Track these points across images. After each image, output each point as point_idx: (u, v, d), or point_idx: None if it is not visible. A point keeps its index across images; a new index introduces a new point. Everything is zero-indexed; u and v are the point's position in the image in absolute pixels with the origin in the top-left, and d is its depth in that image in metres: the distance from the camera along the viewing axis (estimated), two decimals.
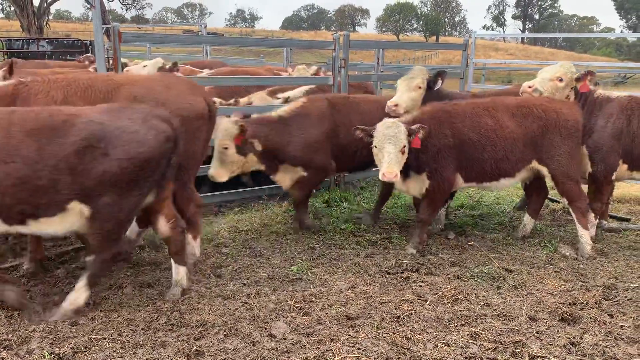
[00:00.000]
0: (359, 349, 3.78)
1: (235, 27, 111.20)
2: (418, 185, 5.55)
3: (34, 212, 3.83)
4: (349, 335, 3.95)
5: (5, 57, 16.90)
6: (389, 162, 5.00)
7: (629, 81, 32.78)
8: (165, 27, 56.99)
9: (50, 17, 46.40)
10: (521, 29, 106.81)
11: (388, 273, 5.12)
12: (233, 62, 15.27)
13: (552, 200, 7.75)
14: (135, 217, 4.40)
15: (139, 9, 67.13)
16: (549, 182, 5.82)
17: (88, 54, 12.60)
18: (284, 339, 3.89)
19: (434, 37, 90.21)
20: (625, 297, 4.62)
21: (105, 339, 3.83)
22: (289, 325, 4.07)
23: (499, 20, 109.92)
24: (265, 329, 4.03)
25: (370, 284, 4.86)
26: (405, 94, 6.14)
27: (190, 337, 3.88)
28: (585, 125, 5.70)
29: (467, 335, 3.97)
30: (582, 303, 4.45)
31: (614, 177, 5.83)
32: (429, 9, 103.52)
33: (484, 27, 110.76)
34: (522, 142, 5.47)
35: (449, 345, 3.85)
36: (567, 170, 5.53)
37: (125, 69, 7.55)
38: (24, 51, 17.56)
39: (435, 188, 5.47)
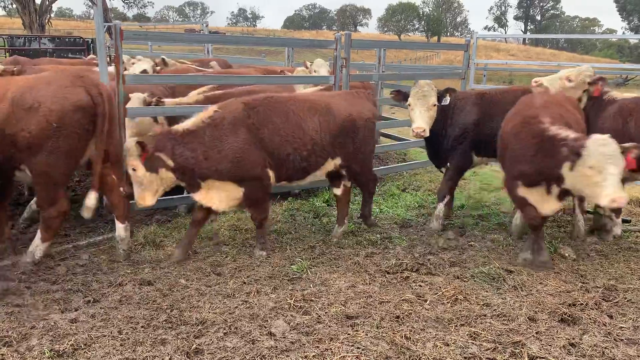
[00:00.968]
0: (358, 348, 3.78)
1: (236, 26, 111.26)
2: None
3: None
4: (349, 334, 3.96)
5: (7, 54, 16.92)
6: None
7: (630, 83, 32.78)
8: (167, 25, 56.97)
9: (52, 15, 46.32)
10: (523, 30, 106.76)
11: (388, 273, 5.12)
12: (235, 61, 15.26)
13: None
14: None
15: (141, 7, 67.22)
16: None
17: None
18: (284, 337, 3.89)
19: (436, 38, 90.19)
20: (625, 298, 4.62)
21: (105, 336, 3.85)
22: (289, 324, 4.07)
23: (500, 21, 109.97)
24: (265, 327, 4.03)
25: (370, 284, 4.86)
26: (425, 114, 6.22)
27: (189, 335, 3.89)
28: (591, 126, 5.72)
29: (467, 335, 3.98)
30: (581, 304, 4.45)
31: None
32: (430, 9, 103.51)
33: (485, 28, 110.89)
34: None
35: (448, 345, 3.85)
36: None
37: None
38: (25, 49, 17.59)
39: None
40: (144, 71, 7.99)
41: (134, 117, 6.06)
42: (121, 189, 5.23)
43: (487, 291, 4.74)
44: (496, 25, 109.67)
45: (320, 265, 5.27)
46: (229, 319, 4.14)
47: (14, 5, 40.41)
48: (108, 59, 5.99)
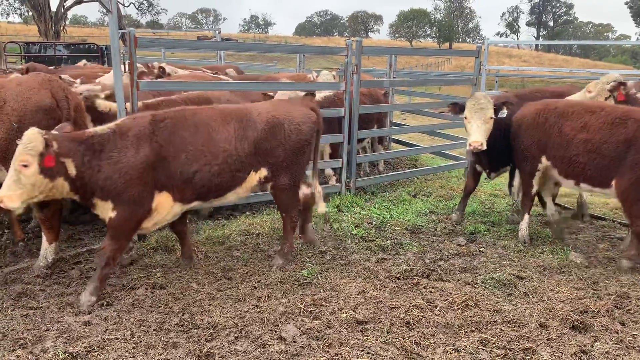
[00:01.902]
0: (368, 353, 3.79)
1: (249, 33, 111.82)
2: None
3: None
4: (359, 339, 3.97)
5: (23, 60, 17.19)
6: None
7: None
8: (180, 32, 57.47)
9: (67, 22, 46.96)
10: (535, 35, 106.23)
11: (398, 278, 5.13)
12: (246, 67, 15.40)
13: (565, 208, 7.73)
14: None
15: (154, 15, 67.72)
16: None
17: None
18: (294, 342, 3.92)
19: (447, 44, 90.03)
20: (638, 305, 4.58)
21: (117, 339, 3.89)
22: (299, 329, 4.09)
23: (512, 27, 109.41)
24: (276, 331, 4.06)
25: (380, 289, 4.87)
26: (482, 128, 6.03)
27: (201, 339, 3.93)
28: None
29: (477, 341, 3.97)
30: (593, 311, 4.43)
31: None
32: (442, 15, 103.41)
33: (497, 34, 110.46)
34: None
35: (458, 351, 3.85)
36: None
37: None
38: (41, 55, 17.85)
39: None
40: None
41: None
42: None
43: (497, 297, 4.73)
44: (508, 32, 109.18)
45: (331, 271, 5.29)
46: (240, 323, 4.17)
47: (30, 13, 41.01)
48: (123, 66, 6.05)
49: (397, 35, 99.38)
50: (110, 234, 4.57)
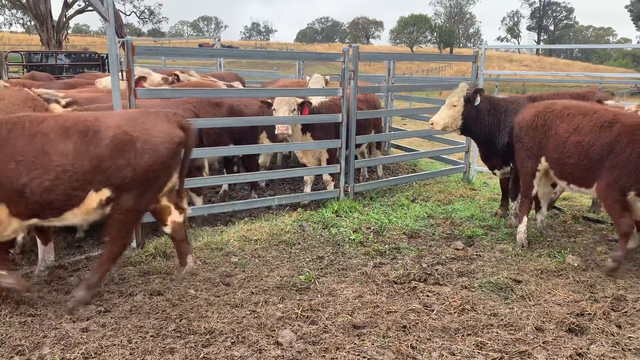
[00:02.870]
0: (364, 357, 3.81)
1: (250, 40, 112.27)
2: None
3: None
4: (355, 344, 3.98)
5: (25, 70, 17.30)
6: None
7: None
8: (181, 40, 57.75)
9: (69, 31, 47.27)
10: (536, 40, 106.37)
11: (395, 283, 5.14)
12: (247, 74, 15.47)
13: (558, 209, 7.74)
14: None
15: (156, 23, 68.01)
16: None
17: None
18: (291, 347, 3.93)
19: (448, 49, 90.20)
20: (634, 308, 4.59)
21: (115, 345, 3.91)
22: (296, 334, 4.11)
23: (513, 31, 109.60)
24: (272, 337, 4.07)
25: (377, 294, 4.88)
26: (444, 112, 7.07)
27: (198, 344, 3.94)
28: None
29: (473, 345, 3.98)
30: (589, 314, 4.44)
31: None
32: (442, 21, 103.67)
33: (498, 39, 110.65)
34: None
35: (454, 354, 3.86)
36: None
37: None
38: (42, 64, 17.95)
39: None
40: None
41: None
42: None
43: (494, 301, 4.74)
44: (509, 36, 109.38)
45: (328, 276, 5.31)
46: (237, 328, 4.19)
47: (33, 23, 41.28)
48: (121, 74, 6.12)
49: (397, 41, 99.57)
50: None
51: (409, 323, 4.30)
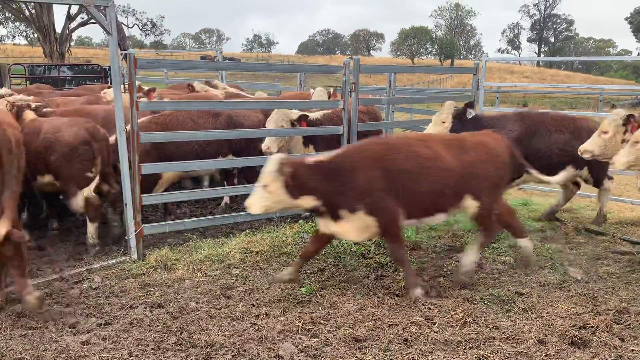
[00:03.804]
0: None
1: (252, 52, 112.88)
2: None
3: None
4: (356, 357, 3.96)
5: (28, 82, 17.38)
6: None
7: None
8: (183, 52, 58.01)
9: (72, 44, 47.60)
10: (537, 52, 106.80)
11: (397, 295, 5.12)
12: (249, 86, 15.53)
13: (560, 221, 7.72)
14: None
15: (158, 35, 68.53)
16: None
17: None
18: None
19: (449, 61, 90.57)
20: (637, 320, 4.55)
21: (115, 358, 3.90)
22: (297, 347, 4.09)
23: (514, 43, 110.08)
24: (273, 350, 4.05)
25: (378, 306, 4.86)
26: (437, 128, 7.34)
27: (198, 358, 3.93)
28: None
29: (475, 358, 3.96)
30: (592, 327, 4.41)
31: None
32: (443, 33, 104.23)
33: (499, 51, 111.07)
34: None
35: None
36: None
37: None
38: (45, 77, 18.02)
39: None
40: None
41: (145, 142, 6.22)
42: None
43: (496, 314, 4.72)
44: (509, 48, 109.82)
45: (329, 288, 5.29)
46: (238, 341, 4.17)
47: (36, 35, 41.58)
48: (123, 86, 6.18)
49: (398, 53, 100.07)
50: None
51: (411, 336, 4.27)
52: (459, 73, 51.26)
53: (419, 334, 4.31)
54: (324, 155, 5.04)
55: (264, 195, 4.71)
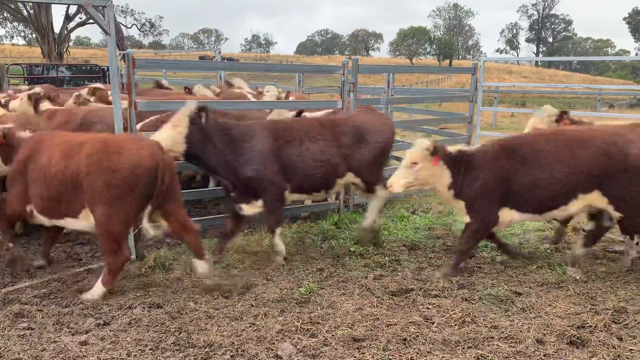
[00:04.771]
0: None
1: (250, 52, 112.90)
2: None
3: None
4: (355, 357, 3.96)
5: (26, 82, 17.35)
6: None
7: None
8: (182, 52, 58.01)
9: (71, 44, 47.54)
10: (535, 52, 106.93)
11: (396, 295, 5.12)
12: (249, 86, 15.53)
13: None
14: None
15: (157, 35, 68.53)
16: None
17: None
18: None
19: (447, 61, 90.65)
20: (636, 320, 4.56)
21: (114, 358, 3.89)
22: (295, 347, 4.09)
23: (512, 43, 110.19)
24: (272, 350, 4.05)
25: (377, 306, 4.86)
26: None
27: (197, 358, 3.92)
28: None
29: (474, 357, 3.96)
30: (590, 326, 4.41)
31: None
32: (442, 33, 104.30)
33: (497, 51, 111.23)
34: None
35: None
36: None
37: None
38: (43, 77, 18.00)
39: None
40: None
41: None
42: None
43: (495, 313, 4.72)
44: (508, 48, 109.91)
45: (328, 288, 5.30)
46: (236, 341, 4.17)
47: (34, 35, 41.54)
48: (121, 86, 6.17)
49: (397, 53, 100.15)
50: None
51: (410, 336, 4.27)
52: (457, 73, 51.36)
53: (417, 334, 4.31)
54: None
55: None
